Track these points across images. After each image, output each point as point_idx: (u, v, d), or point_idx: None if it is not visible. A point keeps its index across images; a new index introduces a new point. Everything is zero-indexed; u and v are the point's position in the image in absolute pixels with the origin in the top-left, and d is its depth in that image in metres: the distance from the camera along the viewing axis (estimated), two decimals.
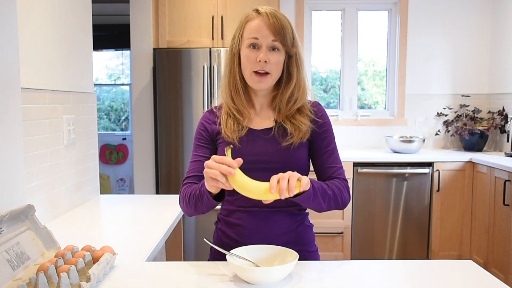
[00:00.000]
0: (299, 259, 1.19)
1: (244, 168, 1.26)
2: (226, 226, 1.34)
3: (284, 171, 1.27)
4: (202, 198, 1.20)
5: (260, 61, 1.23)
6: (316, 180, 1.32)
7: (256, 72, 1.26)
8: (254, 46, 1.25)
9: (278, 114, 1.32)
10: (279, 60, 1.26)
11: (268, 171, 1.26)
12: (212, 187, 1.14)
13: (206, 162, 1.11)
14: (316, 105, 1.36)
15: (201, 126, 1.37)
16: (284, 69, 1.29)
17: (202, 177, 1.27)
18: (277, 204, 1.25)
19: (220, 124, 1.33)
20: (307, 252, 1.34)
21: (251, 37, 1.25)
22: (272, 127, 1.31)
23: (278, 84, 1.31)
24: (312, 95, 1.37)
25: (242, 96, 1.31)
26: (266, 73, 1.26)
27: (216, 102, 1.43)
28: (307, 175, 1.35)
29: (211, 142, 1.34)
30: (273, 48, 1.25)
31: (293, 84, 1.29)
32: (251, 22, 1.26)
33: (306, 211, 1.38)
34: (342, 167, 1.35)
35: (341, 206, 1.28)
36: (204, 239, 1.21)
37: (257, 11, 1.27)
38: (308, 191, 1.15)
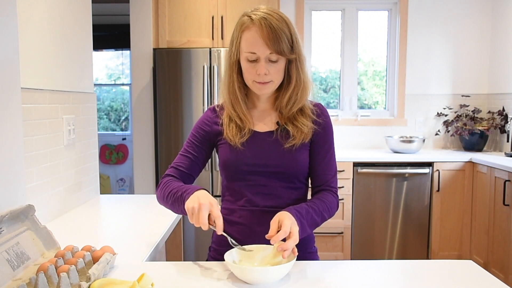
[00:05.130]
0: (298, 260, 1.19)
1: (245, 171, 1.26)
2: (227, 224, 1.34)
3: (285, 175, 1.27)
4: (179, 205, 1.22)
5: (260, 74, 1.23)
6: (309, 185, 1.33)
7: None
8: (253, 59, 1.23)
9: (280, 116, 1.32)
10: (279, 69, 1.25)
11: (269, 175, 1.27)
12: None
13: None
14: (318, 106, 1.36)
15: (200, 124, 1.37)
16: (285, 73, 1.28)
17: (186, 174, 1.33)
18: (279, 205, 1.26)
19: (222, 125, 1.33)
20: (307, 253, 1.34)
21: (248, 51, 1.22)
22: (274, 130, 1.31)
23: (280, 86, 1.31)
24: (313, 93, 1.36)
25: (242, 104, 1.30)
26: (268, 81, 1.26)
27: (216, 101, 1.43)
28: (308, 178, 1.36)
29: (206, 141, 1.35)
30: (272, 59, 1.22)
31: (292, 86, 1.29)
32: (246, 32, 1.22)
33: None
34: (336, 174, 1.36)
35: (327, 220, 1.32)
36: (223, 233, 1.16)
37: (250, 18, 1.22)
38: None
